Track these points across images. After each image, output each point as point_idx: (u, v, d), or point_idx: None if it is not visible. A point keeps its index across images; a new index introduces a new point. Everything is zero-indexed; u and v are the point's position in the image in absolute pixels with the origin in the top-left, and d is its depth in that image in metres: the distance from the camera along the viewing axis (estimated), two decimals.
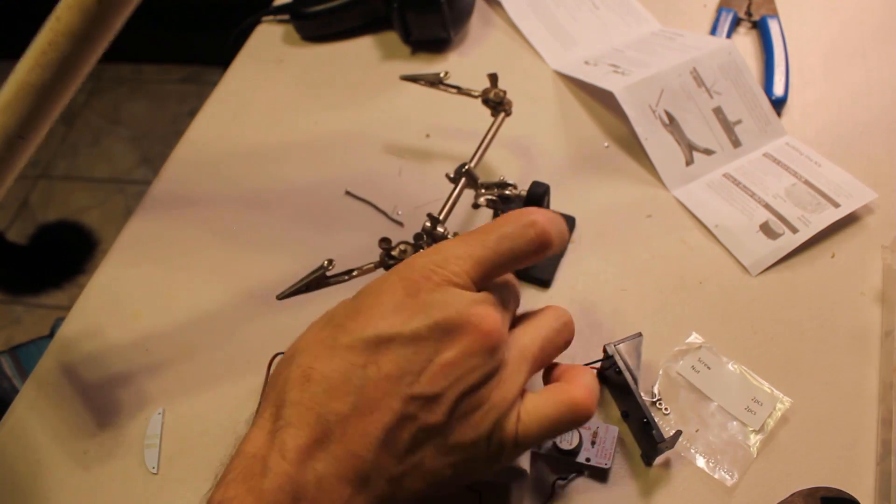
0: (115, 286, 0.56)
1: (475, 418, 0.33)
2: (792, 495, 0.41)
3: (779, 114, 0.61)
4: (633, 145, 0.60)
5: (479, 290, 0.35)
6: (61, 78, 0.32)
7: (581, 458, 0.43)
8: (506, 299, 0.37)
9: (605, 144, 0.61)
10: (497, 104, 0.54)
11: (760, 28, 0.67)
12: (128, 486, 0.46)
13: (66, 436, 0.48)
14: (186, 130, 0.66)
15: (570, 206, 0.56)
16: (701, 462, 0.43)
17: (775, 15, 0.67)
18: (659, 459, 0.44)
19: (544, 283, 0.52)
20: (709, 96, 0.60)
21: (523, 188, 0.51)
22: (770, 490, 0.42)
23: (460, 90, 0.56)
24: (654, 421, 0.42)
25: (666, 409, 0.46)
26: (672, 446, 0.42)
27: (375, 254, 0.46)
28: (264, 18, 0.75)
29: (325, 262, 0.44)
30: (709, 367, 0.47)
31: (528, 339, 0.36)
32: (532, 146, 0.61)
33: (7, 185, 0.35)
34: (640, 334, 0.45)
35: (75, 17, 0.31)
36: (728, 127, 0.59)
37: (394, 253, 0.46)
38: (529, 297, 0.52)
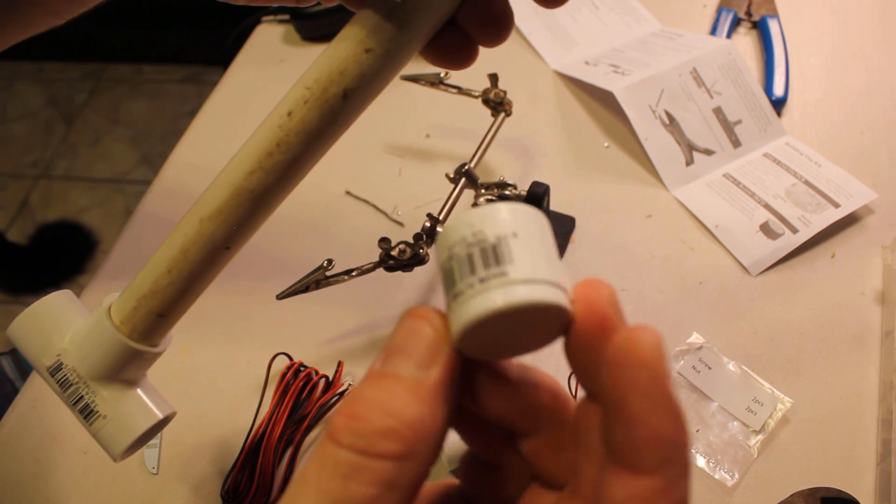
0: (115, 286, 0.56)
1: None
2: (792, 495, 0.41)
3: (779, 114, 0.61)
4: (633, 145, 0.60)
5: None
6: (286, 183, 0.28)
7: None
8: None
9: (605, 144, 0.61)
10: (497, 104, 0.54)
11: (760, 28, 0.67)
12: (128, 486, 0.46)
13: (66, 436, 0.48)
14: (186, 130, 0.66)
15: (570, 206, 0.56)
16: (701, 462, 0.43)
17: (775, 15, 0.67)
18: None
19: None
20: (709, 96, 0.60)
21: (523, 188, 0.51)
22: (770, 490, 0.42)
23: (460, 90, 0.56)
24: None
25: None
26: None
27: (375, 254, 0.46)
28: (264, 18, 0.75)
29: (325, 262, 0.44)
30: (709, 367, 0.47)
31: None
32: (532, 146, 0.61)
33: (199, 295, 0.31)
34: None
35: (313, 115, 0.26)
36: (728, 127, 0.59)
37: (393, 253, 0.45)
38: None
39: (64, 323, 0.32)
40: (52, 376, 0.31)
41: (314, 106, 0.26)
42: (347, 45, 0.26)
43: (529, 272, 0.19)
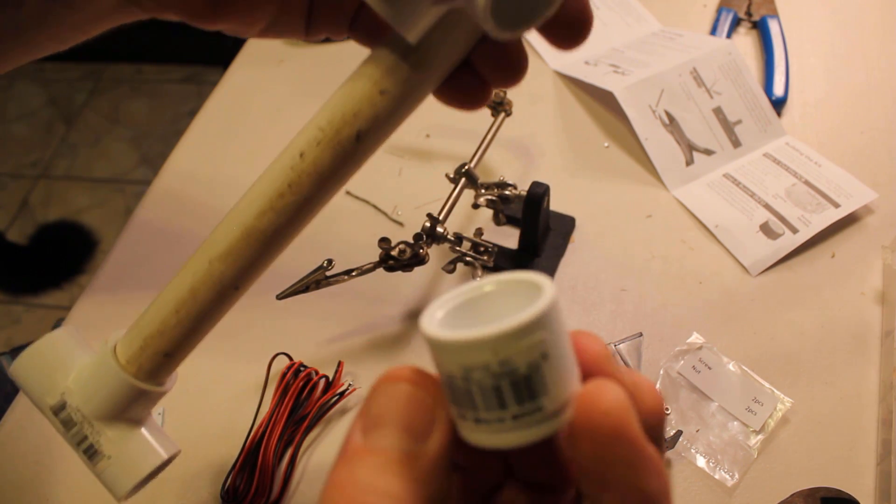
0: (116, 286, 0.56)
1: None
2: (792, 495, 0.41)
3: (779, 114, 0.61)
4: (633, 145, 0.60)
5: None
6: (298, 223, 0.28)
7: None
8: None
9: (605, 144, 0.61)
10: (497, 104, 0.54)
11: (760, 28, 0.67)
12: None
13: None
14: (186, 130, 0.66)
15: (570, 206, 0.56)
16: (701, 462, 0.43)
17: (775, 15, 0.67)
18: None
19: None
20: (709, 96, 0.60)
21: (523, 188, 0.51)
22: (770, 490, 0.42)
23: None
24: None
25: (666, 409, 0.46)
26: (672, 446, 0.42)
27: (375, 254, 0.46)
28: None
29: (325, 262, 0.44)
30: (709, 367, 0.47)
31: None
32: (532, 146, 0.61)
33: (206, 333, 0.31)
34: (640, 334, 0.45)
35: (325, 156, 0.26)
36: (728, 127, 0.59)
37: (393, 253, 0.45)
38: None
39: (67, 361, 0.31)
40: (56, 415, 0.30)
41: (327, 147, 0.26)
42: (362, 86, 0.25)
43: (563, 397, 0.17)
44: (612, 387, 0.17)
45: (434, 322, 0.19)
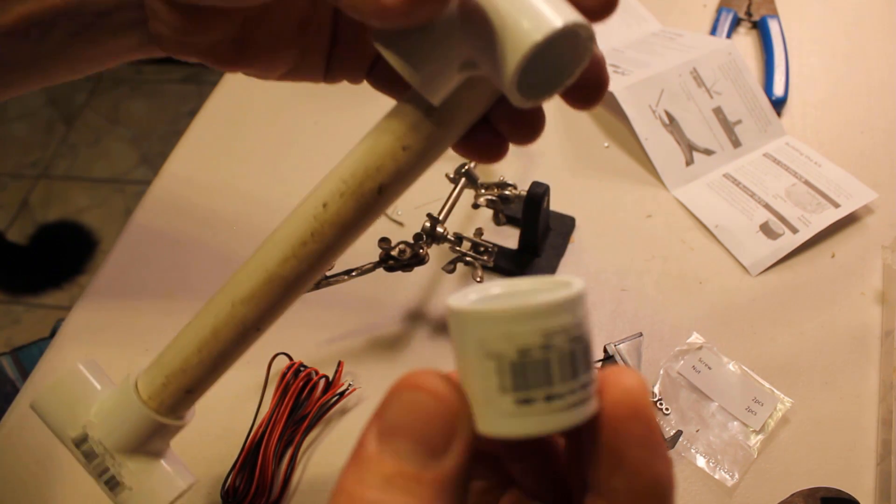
0: (116, 286, 0.56)
1: None
2: (792, 495, 0.41)
3: (779, 114, 0.61)
4: (633, 145, 0.60)
5: None
6: (318, 270, 0.28)
7: None
8: None
9: (605, 144, 0.61)
10: None
11: (760, 28, 0.67)
12: None
13: None
14: (186, 130, 0.66)
15: (570, 206, 0.56)
16: (701, 462, 0.43)
17: (775, 15, 0.67)
18: None
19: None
20: (709, 96, 0.60)
21: (523, 188, 0.51)
22: (770, 490, 0.42)
23: None
24: None
25: (666, 409, 0.46)
26: (672, 446, 0.42)
27: (375, 254, 0.46)
28: None
29: None
30: (709, 367, 0.47)
31: None
32: (532, 146, 0.61)
33: (227, 370, 0.32)
34: (640, 334, 0.45)
35: (348, 207, 0.27)
36: (728, 127, 0.59)
37: (393, 253, 0.46)
38: None
39: (88, 394, 0.32)
40: (78, 447, 0.32)
41: (350, 199, 0.27)
42: (385, 141, 0.26)
43: (594, 376, 0.18)
44: (630, 370, 0.17)
45: (476, 301, 0.18)
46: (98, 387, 0.33)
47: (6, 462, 0.47)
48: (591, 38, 0.23)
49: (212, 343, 0.29)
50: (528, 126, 0.28)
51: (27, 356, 0.75)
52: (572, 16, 0.22)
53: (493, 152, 0.29)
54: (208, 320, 0.29)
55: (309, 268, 0.28)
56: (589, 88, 0.26)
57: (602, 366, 0.46)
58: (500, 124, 0.28)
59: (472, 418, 0.17)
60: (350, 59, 0.33)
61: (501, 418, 0.17)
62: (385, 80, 0.33)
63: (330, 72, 0.33)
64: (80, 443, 0.32)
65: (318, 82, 0.34)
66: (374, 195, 0.27)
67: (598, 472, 0.17)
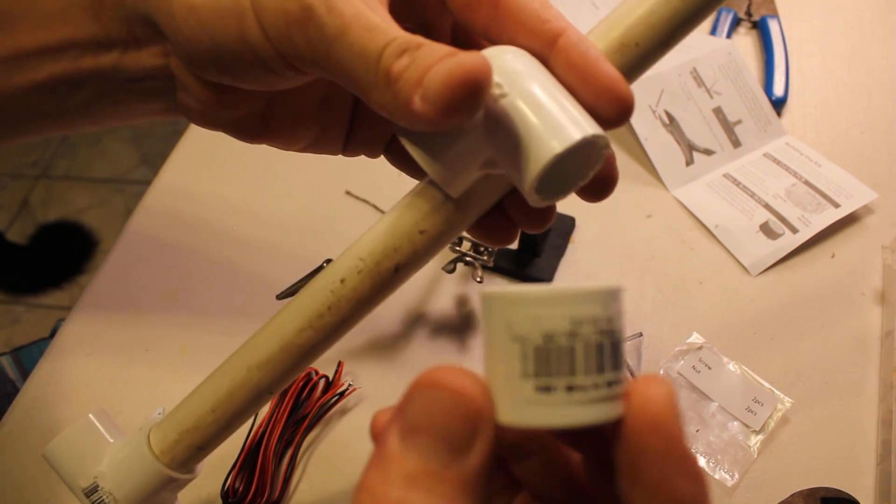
0: (116, 286, 0.56)
1: None
2: (792, 495, 0.41)
3: (779, 114, 0.61)
4: (633, 145, 0.60)
5: None
6: (333, 339, 0.30)
7: None
8: None
9: None
10: None
11: (760, 28, 0.67)
12: None
13: None
14: (186, 130, 0.66)
15: (570, 206, 0.56)
16: (701, 462, 0.43)
17: (775, 15, 0.67)
18: None
19: (543, 284, 0.52)
20: (709, 96, 0.60)
21: None
22: (770, 490, 0.42)
23: None
24: None
25: None
26: None
27: None
28: None
29: (325, 262, 0.44)
30: (709, 367, 0.47)
31: None
32: None
33: (238, 429, 0.32)
34: (640, 334, 0.45)
35: (365, 284, 0.28)
36: (728, 127, 0.59)
37: None
38: None
39: (100, 445, 0.34)
40: (88, 497, 0.32)
41: (367, 277, 0.28)
42: (402, 224, 0.28)
43: (622, 378, 0.17)
44: (661, 380, 0.17)
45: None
46: (109, 439, 0.34)
47: (6, 462, 0.47)
48: (606, 145, 0.24)
49: (226, 404, 0.31)
50: (540, 217, 0.29)
51: (27, 356, 0.75)
52: (591, 128, 0.23)
53: (504, 237, 0.30)
54: (224, 382, 0.31)
55: (325, 338, 0.29)
56: (600, 185, 0.28)
57: None
58: (513, 213, 0.29)
59: (494, 412, 0.17)
60: (368, 135, 0.34)
61: (521, 406, 0.17)
62: (402, 157, 0.34)
63: (348, 146, 0.34)
64: (91, 493, 0.32)
65: (336, 154, 0.35)
66: (390, 274, 0.28)
67: (620, 483, 0.17)
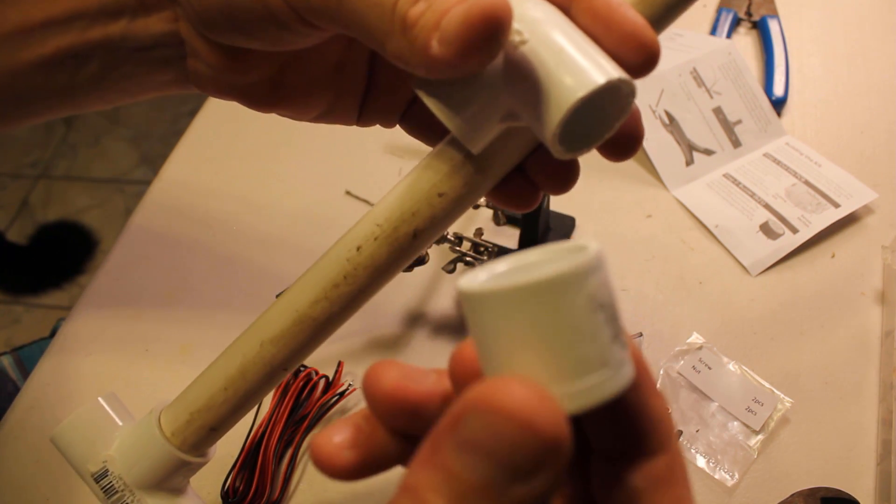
0: (116, 286, 0.56)
1: None
2: (792, 495, 0.41)
3: (779, 114, 0.61)
4: None
5: None
6: (350, 311, 0.28)
7: None
8: None
9: None
10: None
11: (760, 28, 0.67)
12: None
13: None
14: (186, 130, 0.66)
15: (570, 206, 0.56)
16: (701, 462, 0.43)
17: (775, 15, 0.67)
18: None
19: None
20: (709, 96, 0.60)
21: None
22: (770, 490, 0.42)
23: None
24: None
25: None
26: None
27: None
28: None
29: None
30: (709, 367, 0.47)
31: None
32: None
33: (251, 409, 0.31)
34: (640, 334, 0.45)
35: (382, 251, 0.27)
36: (728, 127, 0.59)
37: None
38: None
39: (109, 429, 0.32)
40: (97, 482, 0.31)
41: (384, 243, 0.27)
42: (421, 187, 0.26)
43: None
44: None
45: (487, 279, 0.17)
46: (119, 422, 0.33)
47: (6, 462, 0.47)
48: (632, 93, 0.23)
49: (239, 382, 0.29)
50: (564, 177, 0.28)
51: (28, 356, 0.75)
52: (615, 72, 0.22)
53: (526, 200, 0.29)
54: (236, 359, 0.29)
55: (340, 310, 0.28)
56: (625, 141, 0.26)
57: None
58: (535, 174, 0.28)
59: (569, 443, 0.15)
60: (384, 103, 0.33)
61: (615, 372, 0.16)
62: (418, 126, 0.33)
63: (363, 115, 0.33)
64: (100, 478, 0.31)
65: (350, 125, 0.34)
66: (408, 240, 0.27)
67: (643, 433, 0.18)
